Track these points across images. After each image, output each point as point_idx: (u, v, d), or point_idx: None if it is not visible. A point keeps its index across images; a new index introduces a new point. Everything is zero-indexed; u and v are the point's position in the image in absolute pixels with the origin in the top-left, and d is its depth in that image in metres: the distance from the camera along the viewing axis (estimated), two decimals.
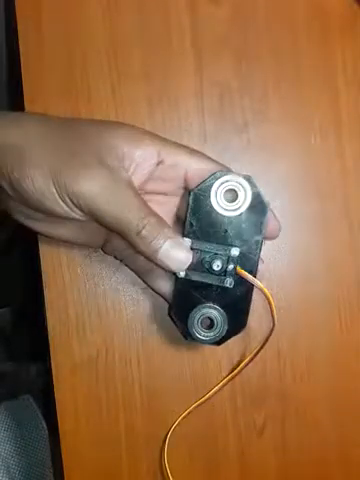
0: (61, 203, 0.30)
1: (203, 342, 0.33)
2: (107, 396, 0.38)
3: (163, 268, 0.32)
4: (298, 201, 0.38)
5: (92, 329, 0.38)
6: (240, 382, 0.38)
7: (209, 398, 0.37)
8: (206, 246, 0.32)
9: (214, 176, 0.32)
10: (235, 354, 0.38)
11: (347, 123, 0.39)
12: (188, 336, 0.33)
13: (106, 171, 0.30)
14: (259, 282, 0.32)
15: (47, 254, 0.38)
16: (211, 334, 0.33)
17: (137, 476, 0.38)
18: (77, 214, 0.31)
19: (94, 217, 0.30)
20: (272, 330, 0.33)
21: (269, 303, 0.33)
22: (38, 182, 0.30)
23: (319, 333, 0.39)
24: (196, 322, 0.33)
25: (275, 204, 0.35)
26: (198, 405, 0.37)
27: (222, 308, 0.33)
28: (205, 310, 0.33)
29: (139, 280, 0.38)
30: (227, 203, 0.32)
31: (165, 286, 0.35)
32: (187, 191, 0.33)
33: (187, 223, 0.32)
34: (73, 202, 0.30)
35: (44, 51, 0.38)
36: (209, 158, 0.33)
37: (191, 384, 0.38)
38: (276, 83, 0.39)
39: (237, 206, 0.32)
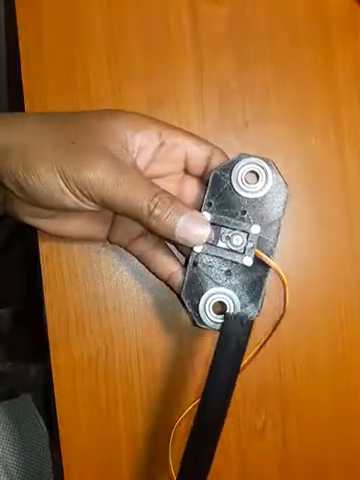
0: (71, 195, 0.30)
1: (213, 328, 0.33)
2: (107, 396, 0.38)
3: (182, 245, 0.32)
4: (298, 201, 0.38)
5: (92, 329, 0.38)
6: (240, 382, 0.38)
7: None
8: (226, 221, 0.32)
9: (237, 158, 0.32)
10: None
11: (347, 123, 0.39)
12: (198, 320, 0.33)
13: (109, 157, 0.30)
14: (276, 265, 0.32)
15: (47, 254, 0.38)
16: (222, 320, 0.32)
17: (137, 476, 0.38)
18: (88, 205, 0.31)
19: (105, 205, 0.30)
20: (282, 316, 0.33)
21: (284, 288, 0.33)
22: (45, 178, 0.29)
23: (319, 333, 0.39)
24: (207, 306, 0.32)
25: None
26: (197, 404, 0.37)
27: (235, 292, 0.32)
28: (217, 294, 0.32)
29: (139, 280, 0.38)
30: (248, 184, 0.32)
31: (171, 268, 0.35)
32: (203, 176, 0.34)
33: (205, 203, 0.32)
34: (83, 192, 0.30)
35: (44, 51, 0.38)
36: (206, 140, 0.34)
37: (192, 384, 0.38)
38: (276, 83, 0.39)
39: (257, 188, 0.32)
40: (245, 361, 0.36)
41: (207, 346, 0.38)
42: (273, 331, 0.34)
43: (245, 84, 0.38)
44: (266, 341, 0.35)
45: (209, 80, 0.38)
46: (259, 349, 0.35)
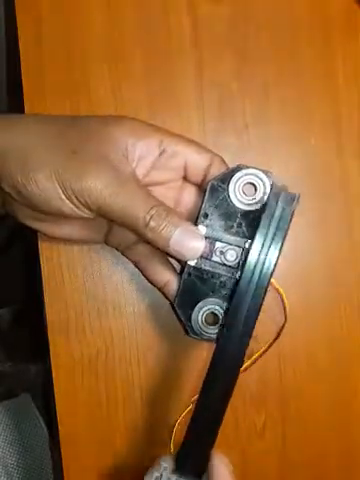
0: (68, 203, 0.30)
1: (204, 338, 0.33)
2: (107, 396, 0.38)
3: (176, 258, 0.32)
4: (298, 201, 0.38)
5: (92, 329, 0.38)
6: (240, 383, 0.38)
7: None
8: (221, 235, 0.32)
9: (234, 168, 0.32)
10: None
11: (347, 123, 0.39)
12: (190, 330, 0.33)
13: (109, 166, 0.30)
14: (274, 281, 0.32)
15: (47, 254, 0.38)
16: (215, 331, 0.32)
17: (137, 476, 0.38)
18: (85, 212, 0.31)
19: (102, 213, 0.30)
20: (283, 326, 0.33)
21: (282, 299, 0.33)
22: (43, 184, 0.30)
23: (319, 333, 0.39)
24: (200, 317, 0.32)
25: None
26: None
27: (228, 304, 0.32)
28: (210, 305, 0.32)
29: (139, 280, 0.38)
30: (245, 196, 0.32)
31: (166, 276, 0.34)
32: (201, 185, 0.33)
33: (201, 213, 0.32)
34: (80, 200, 0.30)
35: (44, 51, 0.38)
36: (207, 148, 0.33)
37: (192, 384, 0.38)
38: (276, 84, 0.39)
39: (255, 200, 0.32)
40: (246, 364, 0.36)
41: (206, 346, 0.38)
42: (275, 339, 0.35)
43: (245, 85, 0.38)
44: (269, 347, 0.35)
45: (209, 80, 0.38)
46: (261, 354, 0.35)
